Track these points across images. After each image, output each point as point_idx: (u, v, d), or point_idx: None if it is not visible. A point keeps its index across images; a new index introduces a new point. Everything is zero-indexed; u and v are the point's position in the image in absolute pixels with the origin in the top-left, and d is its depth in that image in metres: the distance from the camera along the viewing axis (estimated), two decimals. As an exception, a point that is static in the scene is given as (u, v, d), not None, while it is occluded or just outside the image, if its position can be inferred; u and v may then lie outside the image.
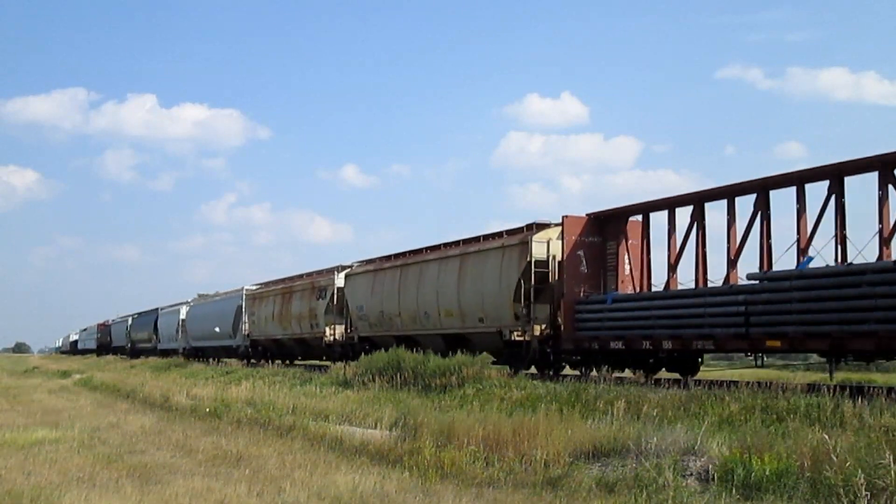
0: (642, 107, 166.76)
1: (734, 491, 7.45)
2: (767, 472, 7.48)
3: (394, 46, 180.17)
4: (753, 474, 7.53)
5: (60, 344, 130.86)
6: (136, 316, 67.79)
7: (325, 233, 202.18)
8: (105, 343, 78.57)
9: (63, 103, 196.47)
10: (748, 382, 13.91)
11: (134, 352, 63.24)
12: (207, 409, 16.76)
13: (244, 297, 39.35)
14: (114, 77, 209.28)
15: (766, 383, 12.76)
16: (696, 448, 8.54)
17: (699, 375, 17.12)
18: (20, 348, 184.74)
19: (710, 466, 8.10)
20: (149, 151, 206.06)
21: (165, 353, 52.43)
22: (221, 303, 43.72)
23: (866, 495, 6.63)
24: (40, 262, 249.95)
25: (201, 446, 11.95)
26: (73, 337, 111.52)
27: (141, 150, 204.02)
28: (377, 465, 10.05)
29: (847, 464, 7.14)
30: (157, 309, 58.34)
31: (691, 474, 8.06)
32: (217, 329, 42.02)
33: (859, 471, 6.87)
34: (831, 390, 11.16)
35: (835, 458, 7.24)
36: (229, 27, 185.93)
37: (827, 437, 7.81)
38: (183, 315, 49.90)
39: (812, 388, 12.42)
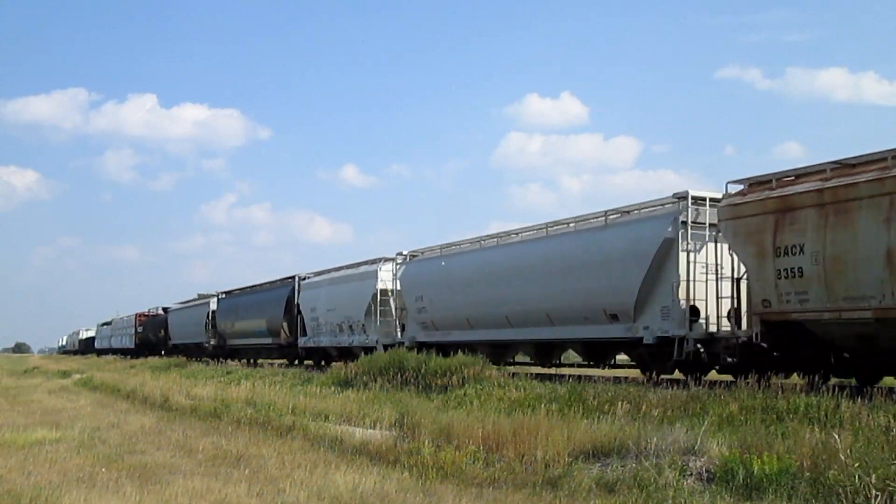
0: (642, 107, 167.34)
1: (734, 491, 7.45)
2: (767, 472, 7.48)
3: (394, 46, 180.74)
4: (753, 474, 7.53)
5: (65, 343, 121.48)
6: (223, 295, 43.31)
7: (325, 233, 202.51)
8: (152, 340, 56.49)
9: (63, 103, 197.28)
10: (748, 382, 13.88)
11: (226, 352, 40.98)
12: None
13: (678, 215, 15.69)
14: (114, 77, 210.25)
15: (766, 383, 12.76)
16: (696, 448, 8.54)
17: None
18: (20, 348, 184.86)
19: (710, 466, 8.10)
20: (149, 151, 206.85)
21: (324, 357, 31.29)
22: (569, 239, 18.70)
23: (877, 496, 6.61)
24: (40, 262, 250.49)
25: (201, 446, 11.95)
26: (86, 333, 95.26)
27: (141, 151, 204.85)
28: (377, 464, 10.05)
29: (856, 464, 7.12)
30: (293, 277, 33.40)
31: (691, 474, 8.06)
32: (552, 296, 18.47)
33: (871, 472, 6.86)
34: (831, 390, 11.16)
35: (843, 458, 7.21)
36: (229, 27, 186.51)
37: (837, 436, 7.78)
38: (384, 282, 26.25)
39: (811, 388, 12.40)
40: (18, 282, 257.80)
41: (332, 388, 19.01)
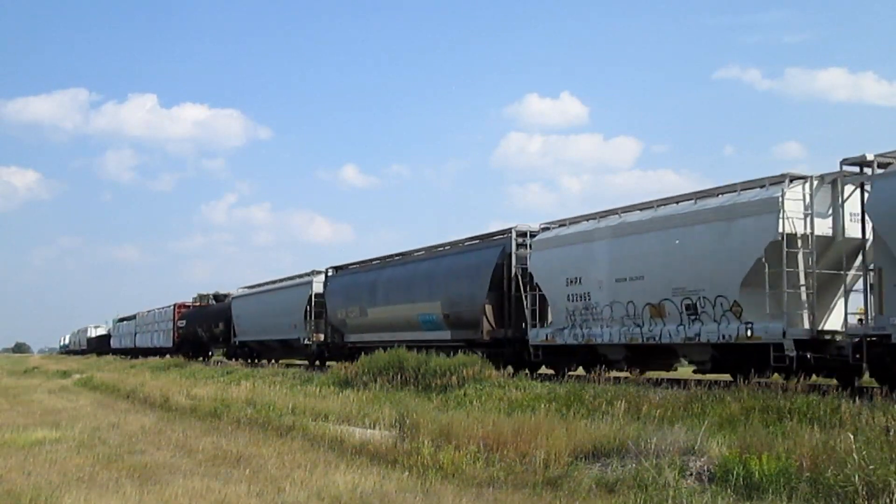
0: (642, 107, 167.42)
1: (734, 491, 7.45)
2: (767, 472, 7.48)
3: (394, 46, 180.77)
4: (753, 474, 7.53)
5: (68, 342, 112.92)
6: (333, 271, 30.35)
7: (325, 233, 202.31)
8: (202, 336, 43.94)
9: (64, 103, 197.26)
10: (748, 382, 13.88)
11: (345, 352, 27.24)
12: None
13: None
14: (114, 77, 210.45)
15: (766, 383, 12.77)
16: (696, 448, 8.54)
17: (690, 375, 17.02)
18: (20, 348, 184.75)
19: (710, 466, 8.10)
20: (149, 152, 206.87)
21: (606, 364, 17.34)
22: None
23: (889, 496, 6.58)
24: (40, 262, 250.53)
25: (201, 446, 11.95)
26: (96, 331, 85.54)
27: (141, 151, 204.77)
28: (377, 464, 10.05)
29: (857, 465, 7.12)
30: (505, 232, 21.65)
31: (691, 474, 8.05)
32: None
33: (872, 472, 6.84)
34: (831, 390, 11.16)
35: (844, 458, 7.19)
36: (229, 27, 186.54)
37: (843, 437, 7.77)
38: (792, 220, 13.90)
39: (812, 388, 12.41)
40: (18, 282, 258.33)
41: (332, 388, 19.01)
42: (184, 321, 47.76)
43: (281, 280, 36.20)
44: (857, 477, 6.87)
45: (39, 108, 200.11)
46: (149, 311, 58.88)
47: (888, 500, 6.61)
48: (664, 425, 9.75)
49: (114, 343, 70.56)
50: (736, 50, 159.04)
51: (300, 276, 33.30)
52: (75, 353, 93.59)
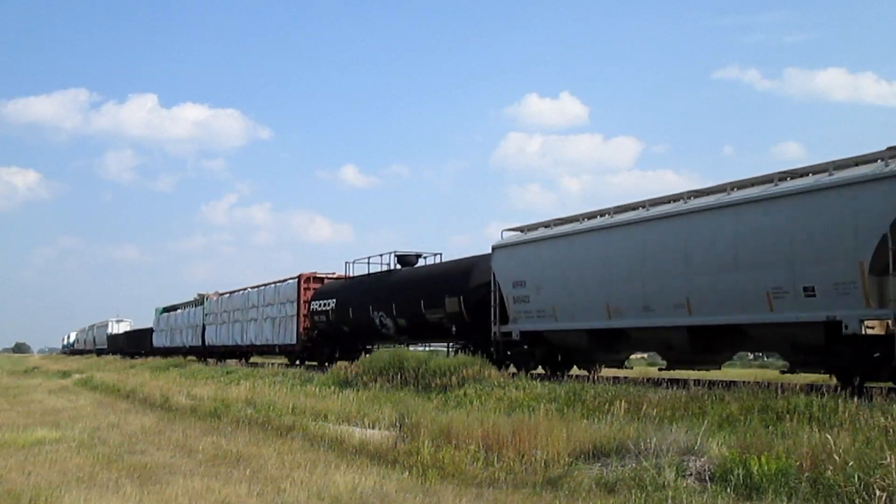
0: (642, 107, 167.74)
1: (734, 491, 7.45)
2: (766, 472, 7.48)
3: (393, 47, 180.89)
4: (753, 474, 7.53)
5: (73, 339, 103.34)
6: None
7: (326, 233, 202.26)
8: (381, 328, 24.04)
9: (64, 104, 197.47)
10: (747, 382, 13.90)
11: None
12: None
13: None
14: (114, 77, 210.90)
15: (766, 383, 12.77)
16: (696, 448, 8.54)
17: (700, 375, 17.00)
18: (20, 348, 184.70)
19: (710, 466, 8.10)
20: (149, 152, 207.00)
21: None
22: None
23: (881, 496, 6.59)
24: (40, 262, 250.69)
25: (201, 446, 11.95)
26: (118, 327, 71.41)
27: (141, 151, 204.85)
28: (377, 464, 10.06)
29: (849, 464, 7.13)
30: None
31: (691, 474, 8.06)
32: None
33: (872, 472, 6.85)
34: (831, 390, 11.15)
35: (843, 458, 7.18)
36: (229, 27, 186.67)
37: (829, 437, 7.79)
38: None
39: (812, 388, 12.41)
40: (18, 282, 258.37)
41: (332, 388, 19.00)
42: (330, 302, 27.56)
43: (704, 192, 14.85)
44: (857, 476, 6.88)
45: (39, 108, 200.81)
46: (234, 292, 37.62)
47: (889, 500, 6.62)
48: (664, 425, 9.74)
49: (158, 340, 51.04)
50: (735, 50, 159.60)
51: (826, 166, 12.69)
52: (84, 352, 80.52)
